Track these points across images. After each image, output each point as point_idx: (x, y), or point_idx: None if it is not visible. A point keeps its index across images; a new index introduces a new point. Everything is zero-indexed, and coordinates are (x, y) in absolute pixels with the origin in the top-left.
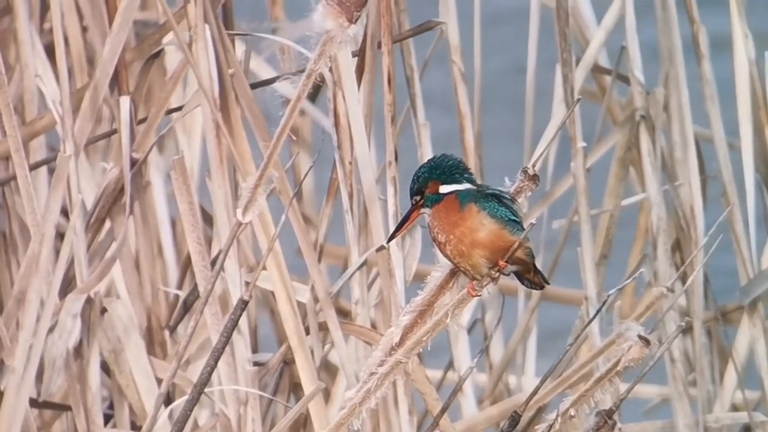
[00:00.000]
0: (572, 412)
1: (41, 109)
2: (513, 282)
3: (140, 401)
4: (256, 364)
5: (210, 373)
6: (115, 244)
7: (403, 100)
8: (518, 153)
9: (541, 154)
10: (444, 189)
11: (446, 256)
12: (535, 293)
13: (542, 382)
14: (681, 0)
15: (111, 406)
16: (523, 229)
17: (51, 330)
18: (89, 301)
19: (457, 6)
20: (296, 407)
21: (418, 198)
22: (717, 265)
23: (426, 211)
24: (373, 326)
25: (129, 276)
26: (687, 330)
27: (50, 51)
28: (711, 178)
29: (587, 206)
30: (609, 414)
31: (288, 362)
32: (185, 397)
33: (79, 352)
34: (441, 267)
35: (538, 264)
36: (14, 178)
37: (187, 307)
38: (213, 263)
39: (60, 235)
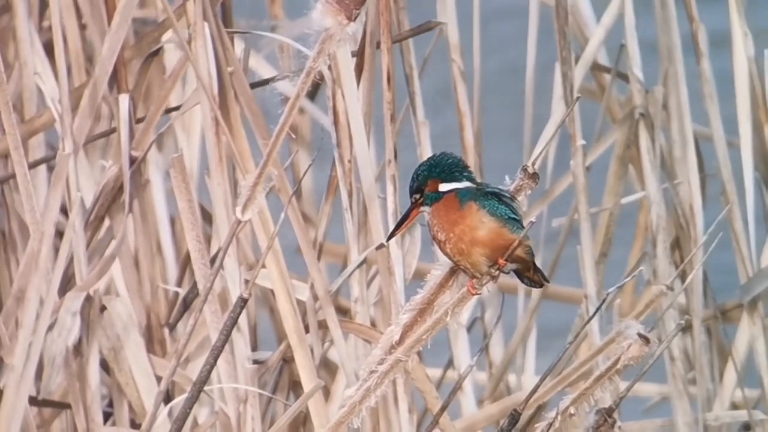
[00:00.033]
0: (572, 410)
1: (40, 107)
2: (513, 280)
3: (140, 399)
4: (255, 362)
5: (209, 371)
6: (114, 242)
7: (403, 98)
8: (518, 151)
9: (541, 153)
10: (444, 187)
11: (446, 254)
12: (535, 291)
13: (542, 380)
14: None
15: (110, 404)
16: (523, 228)
17: (50, 328)
18: (88, 299)
19: (456, 4)
20: (296, 405)
21: (417, 196)
22: (716, 263)
23: (425, 209)
24: (373, 324)
25: (128, 274)
26: (686, 328)
27: (49, 49)
28: (710, 177)
29: (587, 204)
30: (609, 412)
31: (287, 360)
32: (185, 395)
33: (78, 350)
34: (441, 265)
35: (538, 262)
36: (13, 176)
37: (186, 305)
38: (212, 261)
39: (59, 233)
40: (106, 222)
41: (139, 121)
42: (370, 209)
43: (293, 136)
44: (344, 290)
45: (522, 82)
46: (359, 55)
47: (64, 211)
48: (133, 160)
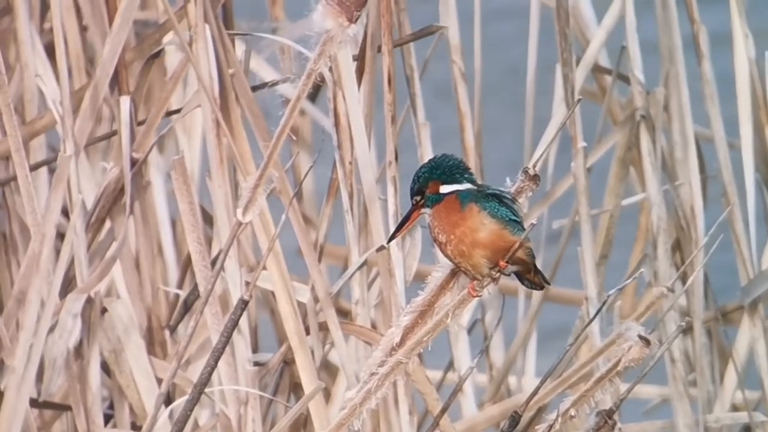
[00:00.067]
0: (572, 412)
1: (41, 109)
2: (513, 282)
3: (140, 401)
4: (256, 364)
5: (210, 373)
6: (115, 243)
7: (403, 99)
8: (518, 153)
9: (542, 154)
10: (444, 189)
11: (447, 256)
12: (536, 293)
13: (542, 382)
14: None
15: (111, 406)
16: (524, 229)
17: (51, 330)
18: (89, 300)
19: (457, 5)
20: (296, 407)
21: (418, 198)
22: (717, 264)
23: (426, 211)
24: (374, 326)
25: (129, 276)
26: (687, 330)
27: (50, 51)
28: (711, 178)
29: (587, 206)
30: (609, 414)
31: (288, 362)
32: (185, 397)
33: (79, 352)
34: (441, 267)
35: (539, 264)
36: (14, 178)
37: (187, 306)
38: (213, 263)
39: (60, 235)
40: (107, 224)
41: (140, 123)
42: (370, 211)
43: (294, 137)
44: (345, 292)
45: (523, 83)
46: (360, 56)
47: (65, 213)
48: (134, 162)
